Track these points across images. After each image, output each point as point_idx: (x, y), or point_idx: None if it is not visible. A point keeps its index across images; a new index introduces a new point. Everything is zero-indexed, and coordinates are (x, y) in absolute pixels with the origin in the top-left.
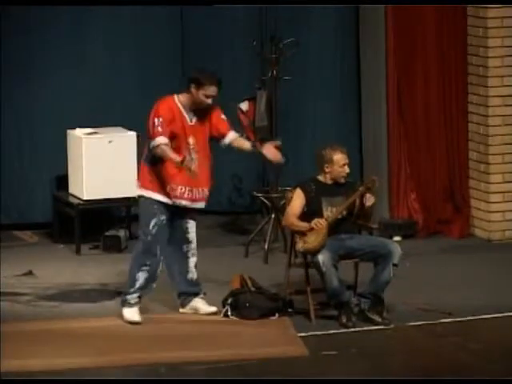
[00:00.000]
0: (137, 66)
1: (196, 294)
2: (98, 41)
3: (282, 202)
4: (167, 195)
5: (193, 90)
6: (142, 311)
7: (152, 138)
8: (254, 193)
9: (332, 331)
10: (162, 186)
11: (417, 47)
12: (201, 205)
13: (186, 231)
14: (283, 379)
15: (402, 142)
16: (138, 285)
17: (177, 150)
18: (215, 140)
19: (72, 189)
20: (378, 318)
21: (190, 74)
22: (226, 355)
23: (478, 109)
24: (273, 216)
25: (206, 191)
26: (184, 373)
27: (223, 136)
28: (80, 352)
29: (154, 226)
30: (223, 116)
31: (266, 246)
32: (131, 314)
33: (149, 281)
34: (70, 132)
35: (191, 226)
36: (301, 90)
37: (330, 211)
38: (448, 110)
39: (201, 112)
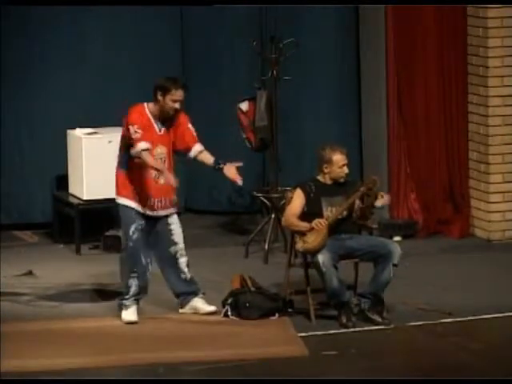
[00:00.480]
0: (137, 65)
1: (194, 294)
2: (98, 41)
3: (282, 202)
4: (142, 204)
5: (159, 97)
6: (141, 312)
7: (134, 145)
8: (254, 193)
9: (332, 331)
10: (137, 194)
11: (417, 47)
12: (167, 211)
13: (170, 233)
14: (283, 379)
15: (401, 141)
16: (131, 291)
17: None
18: (181, 153)
19: (72, 189)
20: (378, 318)
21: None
22: (225, 355)
23: (478, 109)
24: (273, 216)
25: (173, 198)
26: (184, 373)
27: (189, 149)
28: (80, 352)
29: (133, 232)
30: (190, 125)
31: (266, 246)
32: (128, 314)
33: (141, 285)
34: (69, 132)
35: (175, 227)
36: (301, 90)
37: (330, 211)
38: (448, 110)
39: (168, 121)
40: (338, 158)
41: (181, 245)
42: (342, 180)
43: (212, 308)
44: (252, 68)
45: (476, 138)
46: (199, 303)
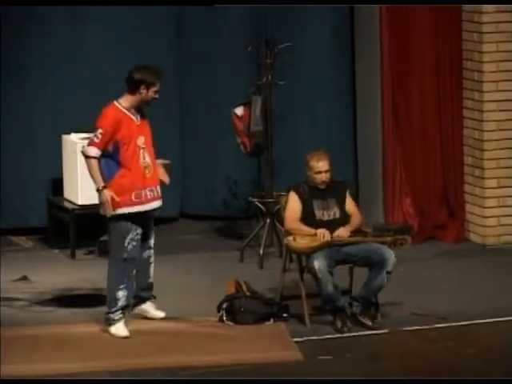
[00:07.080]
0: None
1: (147, 299)
2: (97, 42)
3: (277, 207)
4: (135, 204)
5: (143, 90)
6: (135, 316)
7: (88, 144)
8: (250, 198)
9: (327, 336)
10: (127, 196)
11: (412, 51)
12: (159, 203)
13: (148, 237)
14: (278, 379)
15: (397, 146)
16: (120, 303)
17: (128, 154)
18: None
19: (67, 194)
20: (368, 322)
21: (130, 74)
22: (220, 360)
23: (473, 114)
24: (268, 221)
25: (159, 189)
26: (179, 378)
27: None
28: (74, 357)
29: (129, 243)
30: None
31: (262, 251)
32: (117, 330)
33: (129, 297)
34: (64, 137)
35: (152, 233)
36: (296, 95)
37: (323, 214)
38: (443, 115)
39: (141, 109)
40: (314, 164)
41: (152, 250)
42: (321, 187)
43: (161, 314)
44: (247, 73)
45: (471, 142)
46: (149, 307)
